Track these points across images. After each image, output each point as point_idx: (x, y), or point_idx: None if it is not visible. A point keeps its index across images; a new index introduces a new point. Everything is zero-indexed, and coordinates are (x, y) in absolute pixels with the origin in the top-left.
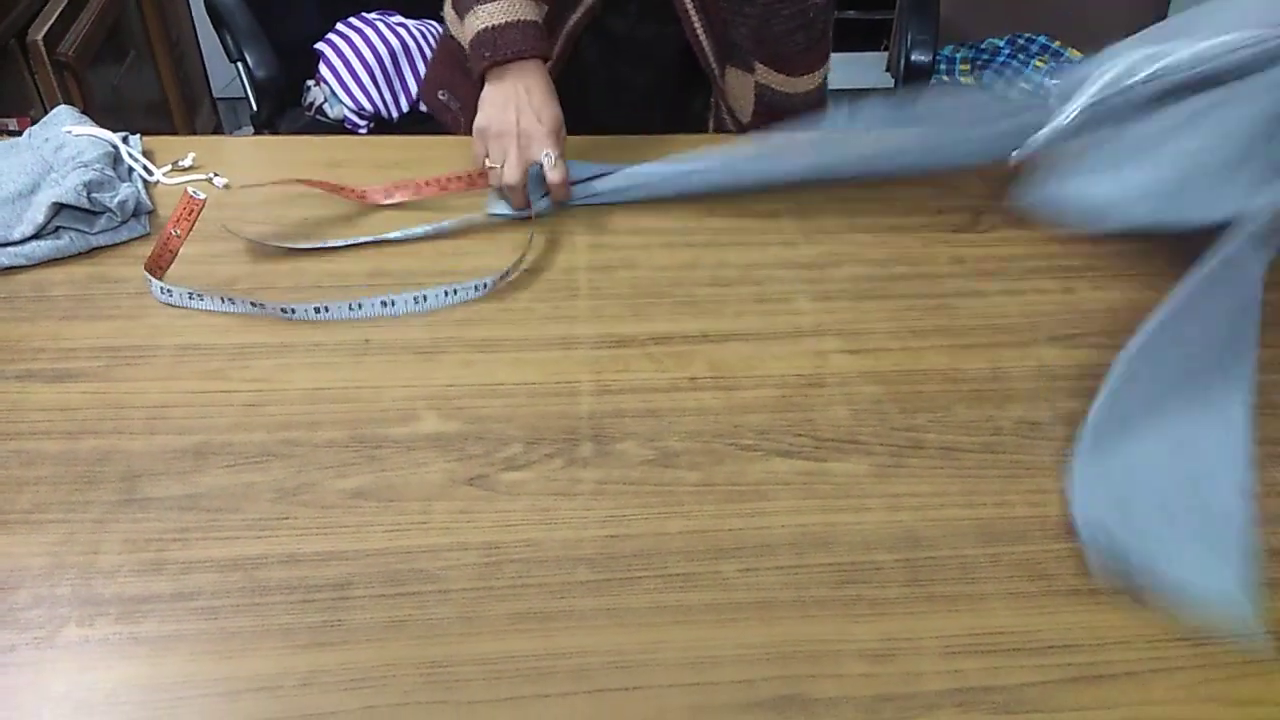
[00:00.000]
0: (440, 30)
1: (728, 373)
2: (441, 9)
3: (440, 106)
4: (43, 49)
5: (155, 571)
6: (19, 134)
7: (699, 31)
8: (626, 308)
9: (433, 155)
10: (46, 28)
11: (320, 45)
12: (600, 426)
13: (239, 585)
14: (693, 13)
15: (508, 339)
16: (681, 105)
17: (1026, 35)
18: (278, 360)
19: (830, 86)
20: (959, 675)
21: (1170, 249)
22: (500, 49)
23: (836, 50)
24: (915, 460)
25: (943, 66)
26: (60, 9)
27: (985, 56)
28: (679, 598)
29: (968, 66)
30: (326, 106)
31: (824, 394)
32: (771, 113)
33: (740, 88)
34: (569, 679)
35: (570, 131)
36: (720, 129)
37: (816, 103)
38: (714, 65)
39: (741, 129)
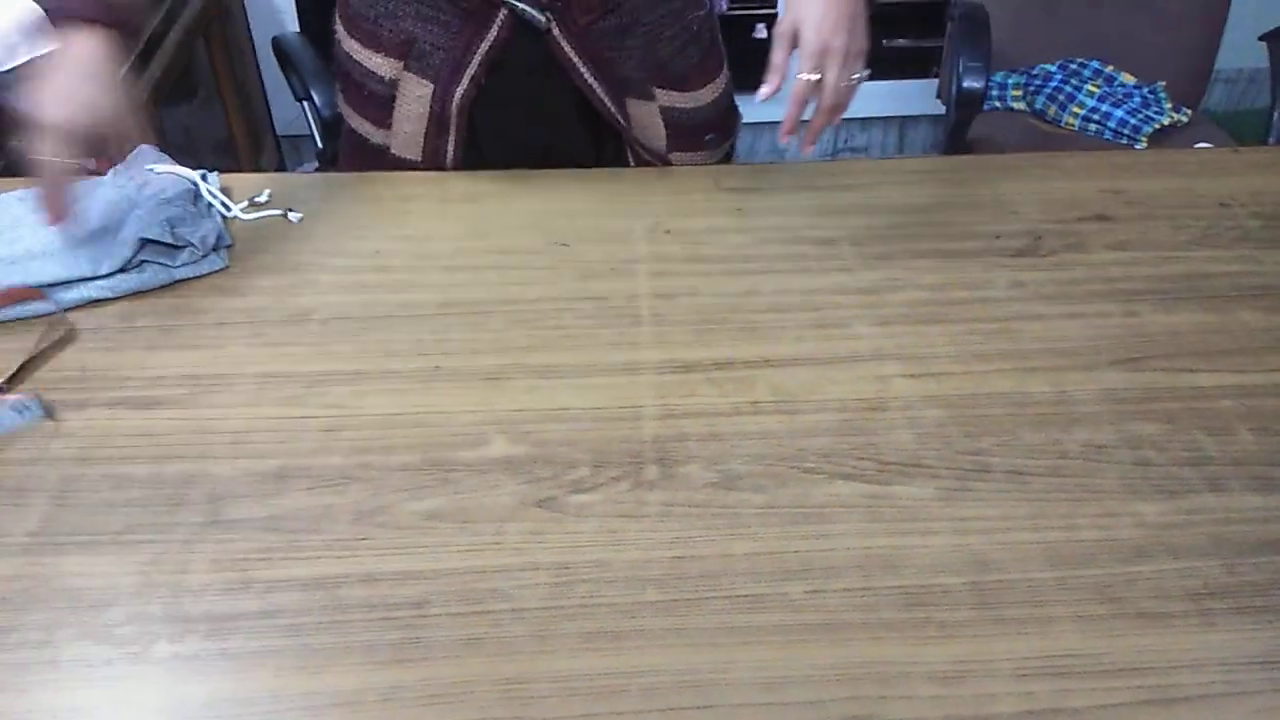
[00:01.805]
0: None
1: (789, 397)
2: None
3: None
4: None
5: (241, 590)
6: (100, 174)
7: (587, 77)
8: (689, 334)
9: (491, 189)
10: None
11: None
12: (664, 450)
13: (321, 603)
14: (576, 60)
15: (572, 365)
16: (592, 154)
17: (1079, 60)
18: (352, 387)
19: (882, 114)
20: (1030, 698)
21: (1234, 272)
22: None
23: (887, 78)
24: (981, 484)
25: (994, 92)
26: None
27: (1038, 82)
28: (747, 618)
29: (1019, 92)
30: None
31: (886, 418)
32: (685, 133)
33: (646, 117)
34: (641, 697)
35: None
36: (641, 165)
37: (726, 108)
38: (611, 106)
39: (664, 160)
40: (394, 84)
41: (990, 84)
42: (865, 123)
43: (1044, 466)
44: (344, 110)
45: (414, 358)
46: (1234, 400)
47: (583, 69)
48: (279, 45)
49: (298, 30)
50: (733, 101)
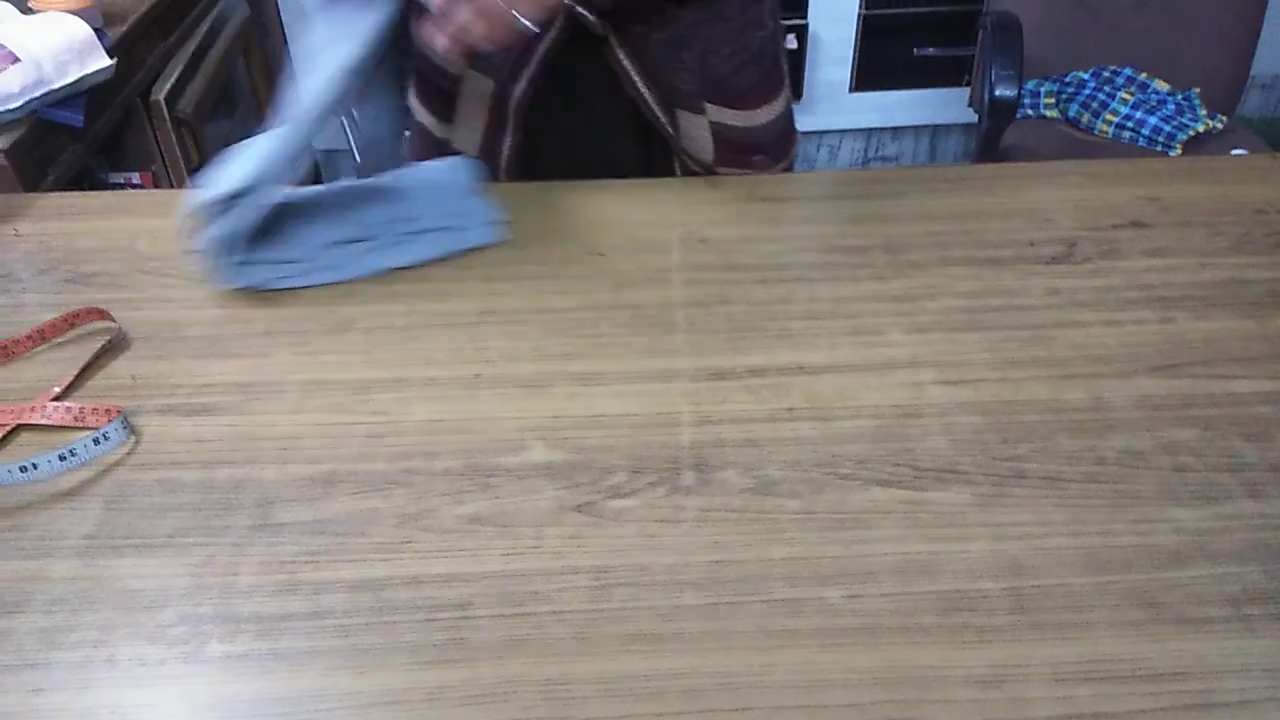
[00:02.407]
0: None
1: (824, 404)
2: None
3: None
4: (164, 108)
5: (290, 592)
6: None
7: (639, 86)
8: (723, 341)
9: (526, 200)
10: (167, 87)
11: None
12: (701, 456)
13: (367, 605)
14: (627, 65)
15: (609, 372)
16: (642, 159)
17: (1111, 68)
18: (396, 394)
19: (913, 123)
20: (1068, 702)
21: (1270, 278)
22: None
23: (919, 87)
24: (1018, 490)
25: (1027, 100)
26: (179, 69)
27: (1070, 90)
28: (785, 622)
29: (1052, 100)
30: None
31: (922, 424)
32: (733, 149)
33: (694, 129)
34: (681, 699)
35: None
36: (688, 175)
37: (782, 132)
38: (660, 115)
39: (709, 171)
40: (457, 80)
41: (1023, 92)
42: (896, 132)
43: (1081, 473)
44: (413, 103)
45: (455, 365)
46: (1271, 406)
47: (635, 78)
48: None
49: None
50: (790, 125)
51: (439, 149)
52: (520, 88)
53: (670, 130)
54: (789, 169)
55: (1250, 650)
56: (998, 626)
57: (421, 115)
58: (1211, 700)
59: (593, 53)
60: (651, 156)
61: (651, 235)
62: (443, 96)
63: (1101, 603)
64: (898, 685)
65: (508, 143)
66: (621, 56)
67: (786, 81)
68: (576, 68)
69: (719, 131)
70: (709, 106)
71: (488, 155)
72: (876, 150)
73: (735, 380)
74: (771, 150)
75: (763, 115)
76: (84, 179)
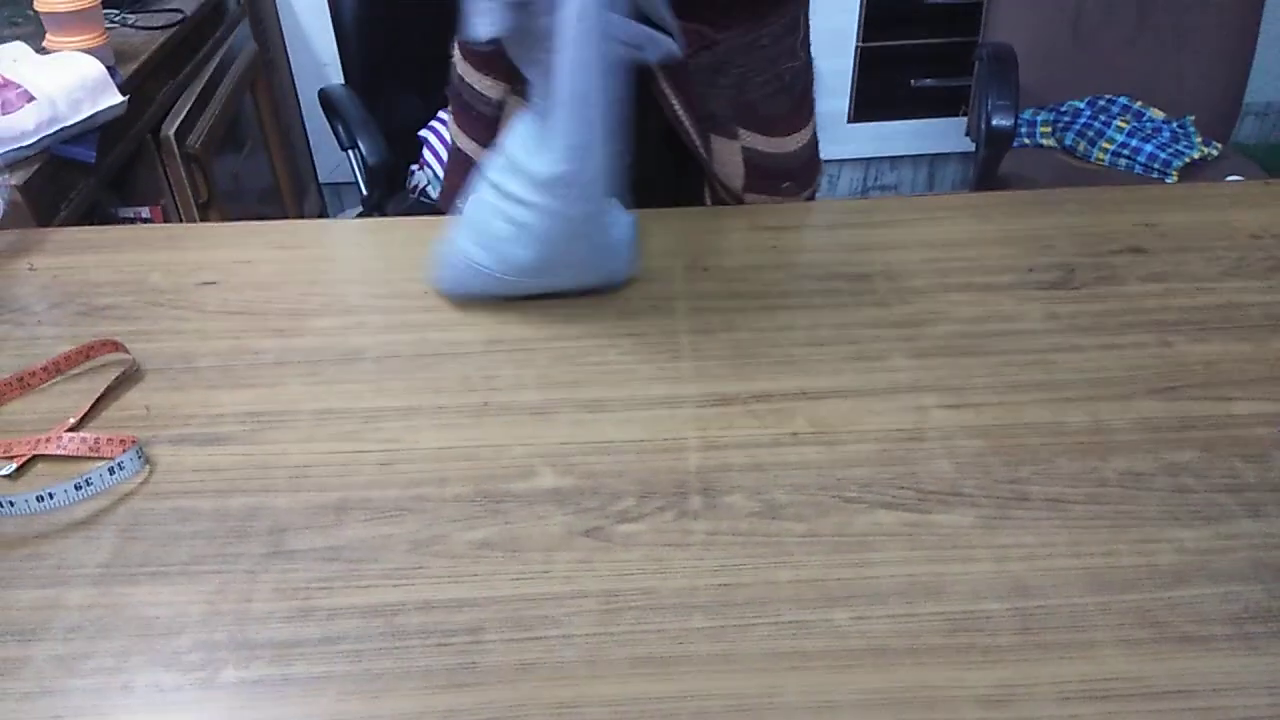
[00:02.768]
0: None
1: (828, 428)
2: None
3: None
4: (174, 143)
5: (303, 618)
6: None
7: (677, 109)
8: (727, 368)
9: None
10: (177, 123)
11: (424, 132)
12: (707, 480)
13: (380, 630)
14: (669, 93)
15: (615, 399)
16: (675, 187)
17: (1107, 97)
18: (405, 422)
19: (911, 152)
20: None
21: (1267, 302)
22: None
23: (916, 117)
24: (1021, 512)
25: (1023, 129)
26: (189, 105)
27: (1066, 118)
28: (793, 644)
29: (1049, 129)
30: (430, 189)
31: (925, 448)
32: (763, 175)
33: (726, 153)
34: None
35: None
36: (717, 202)
37: (808, 160)
38: (696, 139)
39: (737, 200)
40: (501, 105)
41: (1019, 121)
42: (895, 161)
43: (1083, 494)
44: (453, 131)
45: (463, 394)
46: (1269, 428)
47: (674, 101)
48: (325, 97)
49: (342, 83)
50: (816, 153)
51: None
52: None
53: (704, 154)
54: (812, 197)
55: (1253, 668)
56: (1003, 646)
57: (463, 142)
58: (1216, 718)
59: (632, 77)
60: (682, 179)
61: (655, 265)
62: (484, 121)
63: (1105, 622)
64: (906, 706)
65: None
66: (661, 81)
67: (814, 113)
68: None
69: (750, 157)
70: (742, 132)
71: None
72: (875, 179)
73: (740, 405)
74: (799, 177)
75: (791, 143)
76: (95, 214)
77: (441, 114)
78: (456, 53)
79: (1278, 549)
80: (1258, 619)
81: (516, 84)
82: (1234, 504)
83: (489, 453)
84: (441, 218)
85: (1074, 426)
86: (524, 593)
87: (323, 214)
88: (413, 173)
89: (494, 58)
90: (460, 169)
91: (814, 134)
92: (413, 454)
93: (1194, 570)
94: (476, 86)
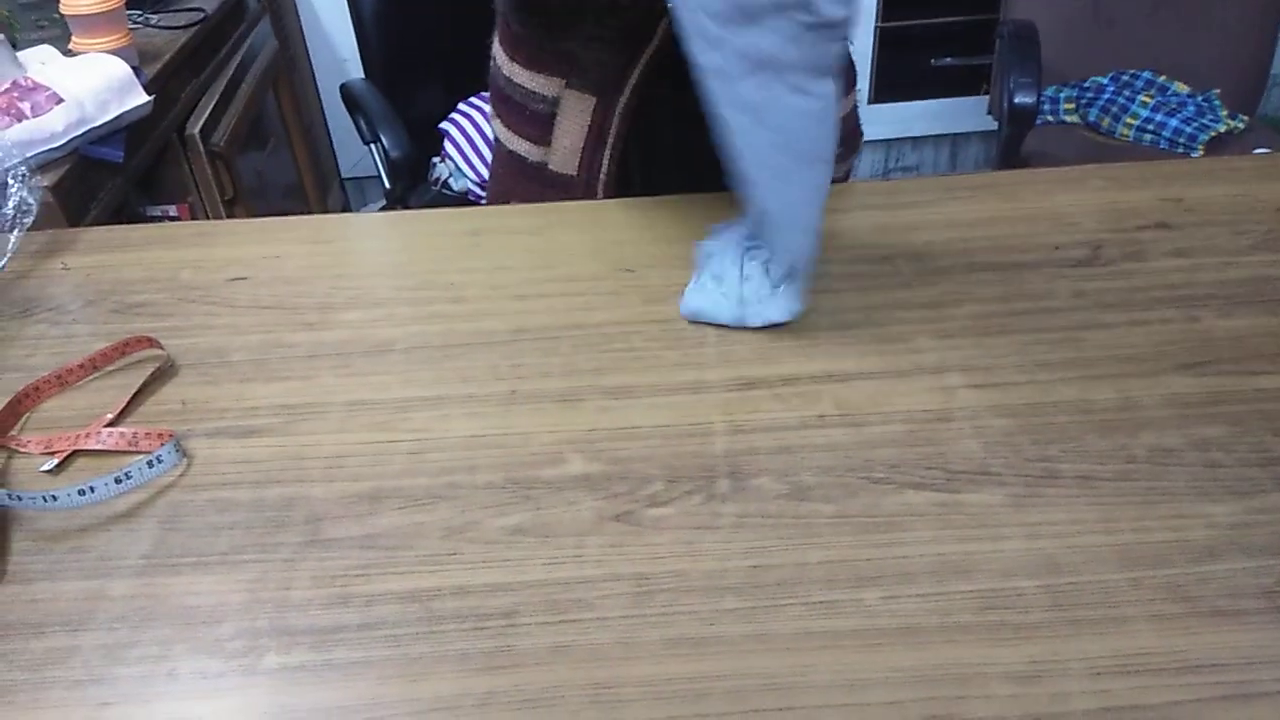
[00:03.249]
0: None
1: (855, 410)
2: None
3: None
4: (199, 141)
5: (342, 604)
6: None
7: None
8: (752, 352)
9: (560, 220)
10: (201, 121)
11: (445, 125)
12: (735, 464)
13: (417, 615)
14: None
15: (641, 385)
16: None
17: (1130, 71)
18: (435, 411)
19: (933, 132)
20: (1107, 695)
21: None
22: None
23: (937, 96)
24: (1050, 490)
25: (1046, 106)
26: (213, 104)
27: (1090, 94)
28: (824, 624)
29: (1072, 105)
30: (451, 181)
31: (952, 428)
32: None
33: None
34: (725, 700)
35: (638, 192)
36: None
37: (855, 127)
38: None
39: None
40: (556, 101)
41: (1042, 98)
42: (916, 142)
43: (1112, 471)
44: (501, 133)
45: (491, 383)
46: None
47: None
48: (347, 92)
49: (363, 77)
50: (858, 124)
51: (535, 172)
52: (624, 99)
53: None
54: (847, 176)
55: None
56: (1034, 623)
57: (514, 143)
58: (1248, 691)
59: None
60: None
61: (679, 251)
62: (538, 119)
63: (1137, 597)
64: (938, 683)
65: (606, 156)
66: None
67: (856, 80)
68: (674, 78)
69: None
70: None
71: (586, 170)
72: (897, 161)
73: (766, 389)
74: (846, 142)
75: (842, 108)
76: (124, 212)
77: (462, 106)
78: (501, 54)
79: None
80: None
81: (571, 79)
82: (1264, 478)
83: (518, 440)
84: (473, 208)
85: (1102, 404)
86: (557, 577)
87: (346, 208)
88: (434, 165)
89: (544, 54)
90: (513, 171)
91: (855, 107)
92: (443, 443)
93: (1225, 545)
94: (528, 85)
